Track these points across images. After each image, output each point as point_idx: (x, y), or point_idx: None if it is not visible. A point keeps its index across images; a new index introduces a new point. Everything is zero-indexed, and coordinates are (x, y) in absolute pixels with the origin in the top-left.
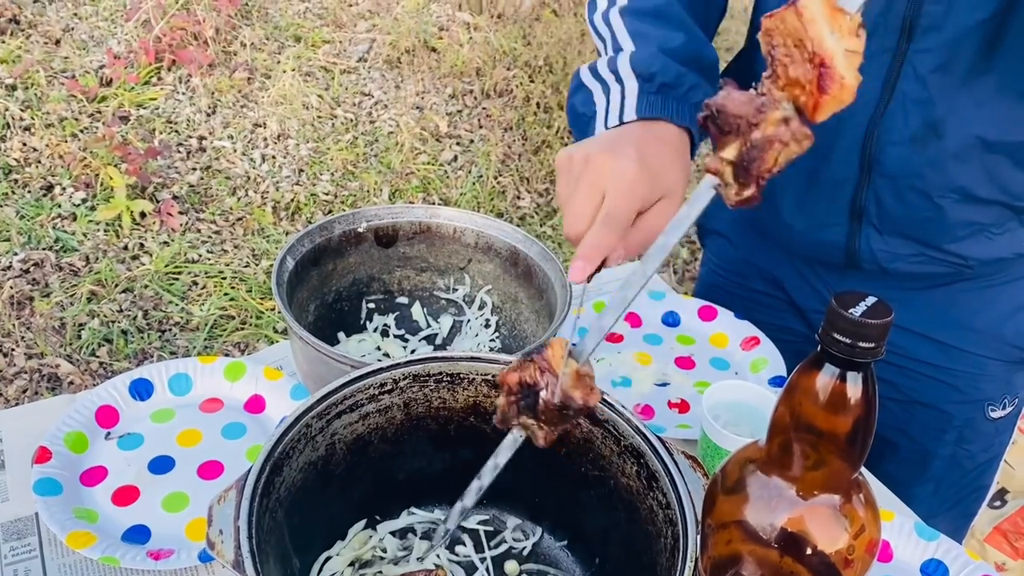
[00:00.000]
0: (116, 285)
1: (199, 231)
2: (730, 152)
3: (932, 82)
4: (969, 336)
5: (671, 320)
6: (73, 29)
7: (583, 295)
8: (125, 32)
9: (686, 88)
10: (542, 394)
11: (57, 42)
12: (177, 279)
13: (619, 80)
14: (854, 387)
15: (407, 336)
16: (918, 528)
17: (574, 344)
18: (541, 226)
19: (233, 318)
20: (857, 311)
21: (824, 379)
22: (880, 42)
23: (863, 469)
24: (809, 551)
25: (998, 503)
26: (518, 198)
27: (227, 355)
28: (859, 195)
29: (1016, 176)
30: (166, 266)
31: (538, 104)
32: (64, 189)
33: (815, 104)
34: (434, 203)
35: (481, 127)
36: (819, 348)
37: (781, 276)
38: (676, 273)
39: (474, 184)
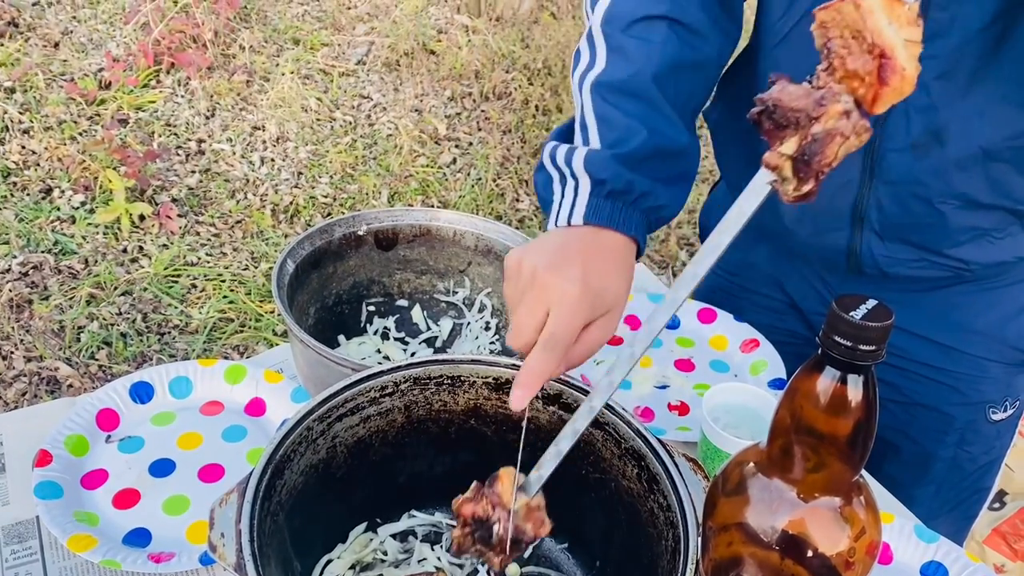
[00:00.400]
0: (115, 288)
1: (198, 234)
2: (789, 147)
3: (935, 89)
4: (970, 338)
5: (671, 322)
6: (72, 32)
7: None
8: (124, 35)
9: (636, 195)
10: (495, 527)
11: (56, 45)
12: (176, 282)
13: (574, 176)
14: (855, 390)
15: (407, 339)
16: (918, 530)
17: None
18: (541, 228)
19: (232, 321)
20: (858, 314)
21: (825, 382)
22: None
23: (863, 471)
24: (810, 553)
25: (997, 505)
26: (517, 200)
27: (226, 358)
28: (861, 201)
29: (1018, 182)
30: (165, 269)
31: (537, 107)
32: (63, 192)
33: (875, 96)
34: (433, 206)
35: (480, 130)
36: (820, 351)
37: (782, 278)
38: (675, 275)
39: (473, 187)
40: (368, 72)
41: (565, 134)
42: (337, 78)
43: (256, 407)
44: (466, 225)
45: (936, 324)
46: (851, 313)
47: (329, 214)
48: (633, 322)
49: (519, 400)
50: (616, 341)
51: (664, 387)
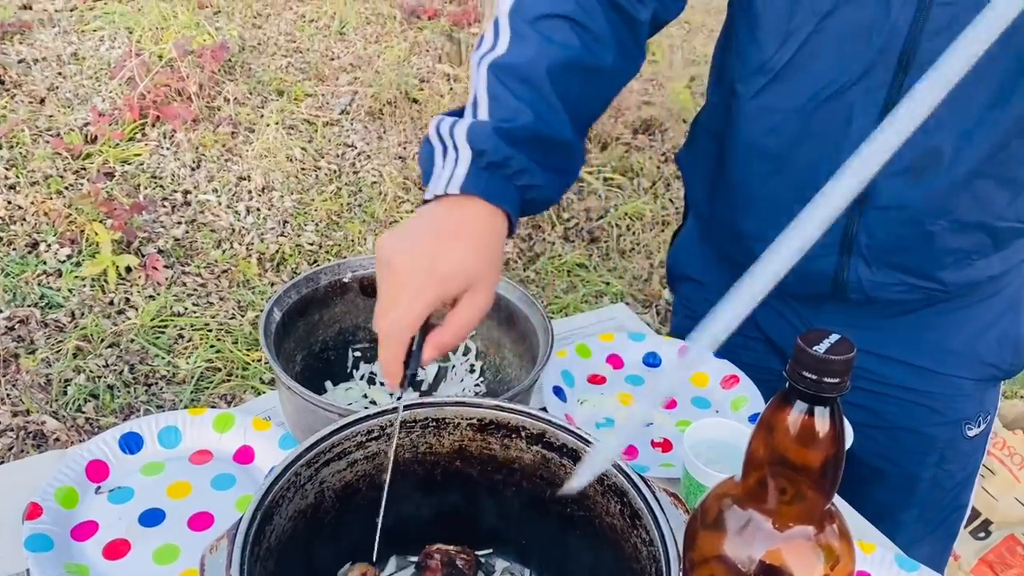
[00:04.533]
0: (102, 340)
1: (185, 284)
2: None
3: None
4: (945, 358)
5: (652, 361)
6: (58, 88)
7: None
8: (110, 90)
9: (513, 170)
10: None
11: (42, 101)
12: (163, 332)
13: (455, 147)
14: (822, 421)
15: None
16: (899, 560)
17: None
18: (525, 270)
19: (219, 370)
20: (821, 348)
21: (794, 414)
22: (877, 77)
23: (844, 502)
24: None
25: (983, 534)
26: None
27: (214, 407)
28: (850, 228)
29: (1000, 196)
30: (152, 320)
31: None
32: (49, 246)
33: None
34: None
35: None
36: (787, 385)
37: (757, 316)
38: (659, 314)
39: None
40: (352, 121)
41: (455, 113)
42: (321, 128)
43: (245, 455)
44: None
45: (911, 347)
46: (815, 348)
47: (315, 261)
48: (615, 361)
49: (391, 386)
50: (598, 380)
51: (648, 424)
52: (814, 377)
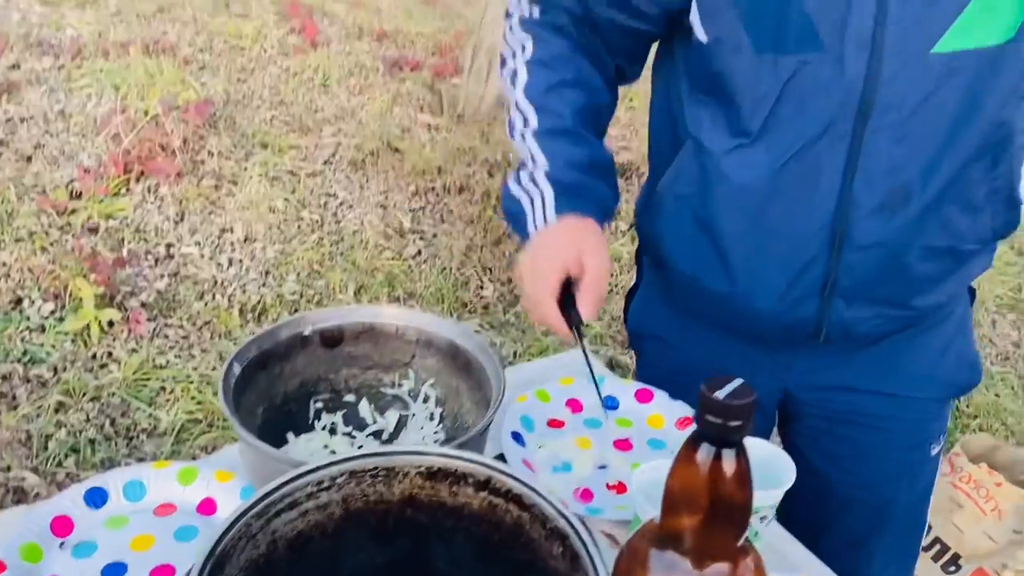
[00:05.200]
0: (84, 394)
1: (167, 336)
2: None
3: (893, 153)
4: (912, 382)
5: (610, 404)
6: (44, 145)
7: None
8: (95, 146)
9: (588, 189)
10: None
11: (28, 159)
12: (145, 385)
13: (539, 189)
14: (729, 463)
15: (355, 433)
16: None
17: None
18: (505, 314)
19: (200, 421)
20: (723, 394)
21: (703, 457)
22: (839, 129)
23: (788, 538)
24: None
25: (953, 568)
26: (481, 288)
27: (194, 458)
28: (831, 271)
29: (962, 220)
30: (134, 373)
31: (497, 198)
32: (33, 302)
33: None
34: (399, 297)
35: (443, 222)
36: (696, 429)
37: (728, 366)
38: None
39: (438, 276)
40: (335, 171)
41: (514, 193)
42: (304, 178)
43: (207, 507)
44: (408, 320)
45: (881, 376)
46: (717, 393)
47: (296, 311)
48: (575, 405)
49: (563, 335)
50: (557, 424)
51: (603, 467)
52: (719, 422)
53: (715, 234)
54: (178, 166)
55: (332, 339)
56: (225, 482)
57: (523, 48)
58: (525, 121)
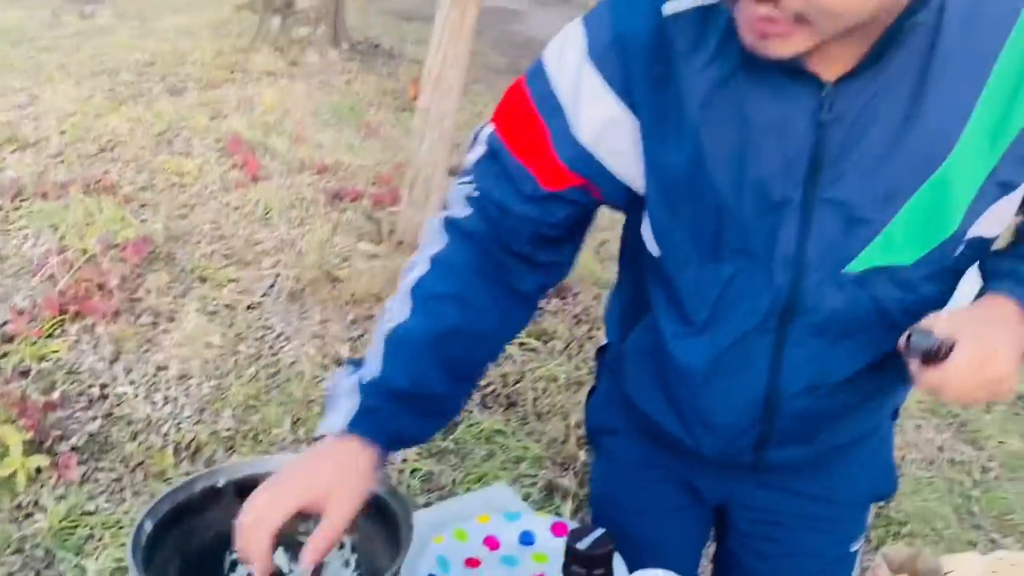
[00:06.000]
0: (8, 547)
1: (98, 480)
2: None
3: (814, 349)
4: (836, 489)
5: (527, 539)
6: None
7: None
8: (31, 287)
9: (389, 417)
10: None
11: None
12: (73, 533)
13: (347, 394)
14: None
15: None
16: None
17: None
18: (443, 441)
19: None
20: (584, 544)
21: None
22: (768, 324)
23: None
24: None
25: None
26: None
27: None
28: (764, 433)
29: (877, 379)
30: (61, 521)
31: None
32: None
33: None
34: None
35: None
36: None
37: (677, 467)
38: (576, 475)
39: None
40: (273, 303)
41: (356, 362)
42: (242, 311)
43: None
44: None
45: (807, 480)
46: (579, 544)
47: (231, 447)
48: (491, 542)
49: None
50: (473, 563)
51: None
52: (584, 571)
53: (666, 393)
54: (115, 305)
55: (247, 490)
56: None
57: (438, 241)
58: (395, 312)
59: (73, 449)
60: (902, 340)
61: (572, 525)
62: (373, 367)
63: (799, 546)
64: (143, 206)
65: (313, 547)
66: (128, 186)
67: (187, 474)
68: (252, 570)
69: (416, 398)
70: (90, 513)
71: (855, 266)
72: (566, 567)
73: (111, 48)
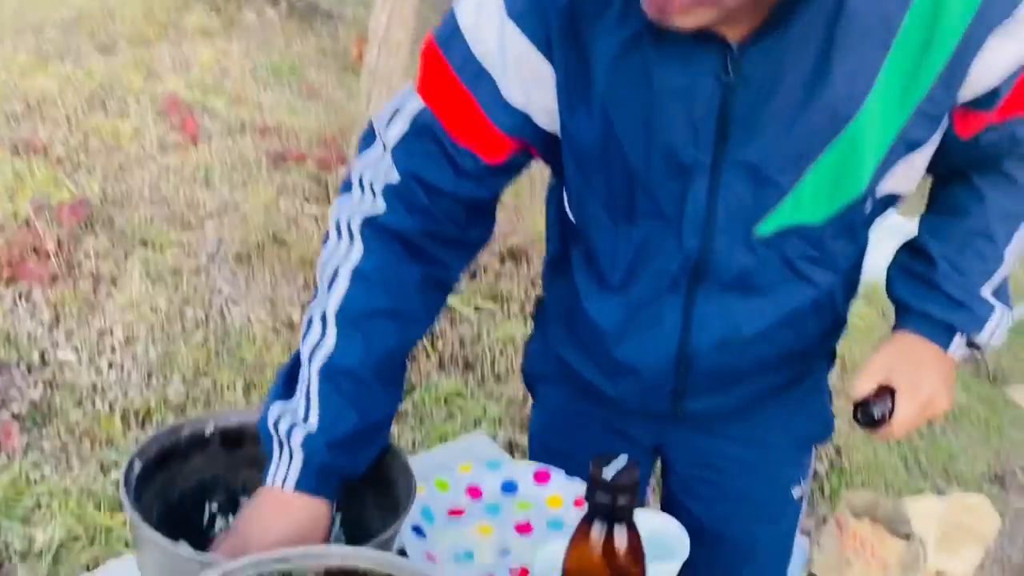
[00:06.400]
0: None
1: (42, 449)
2: None
3: (724, 300)
4: (772, 431)
5: (510, 488)
6: None
7: None
8: None
9: (339, 475)
10: None
11: None
12: (18, 503)
13: (290, 450)
14: (620, 537)
15: None
16: None
17: None
18: (402, 404)
19: (79, 538)
20: (610, 472)
21: (596, 533)
22: (679, 285)
23: None
24: None
25: None
26: None
27: None
28: (679, 387)
29: (794, 341)
30: (4, 491)
31: None
32: None
33: None
34: None
35: None
36: (588, 507)
37: (608, 416)
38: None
39: None
40: (219, 267)
41: (286, 385)
42: (188, 276)
43: None
44: None
45: (739, 424)
46: (605, 472)
47: (183, 413)
48: (474, 492)
49: None
50: (457, 512)
51: (506, 553)
52: (609, 500)
53: (585, 346)
54: (52, 269)
55: (233, 439)
56: None
57: (350, 241)
58: (320, 339)
59: (14, 417)
60: (851, 415)
61: (555, 472)
62: (311, 416)
63: (736, 490)
64: (77, 168)
65: None
66: (60, 147)
67: (136, 441)
68: None
69: (359, 434)
70: (35, 482)
71: (764, 227)
72: (590, 496)
73: (33, 4)
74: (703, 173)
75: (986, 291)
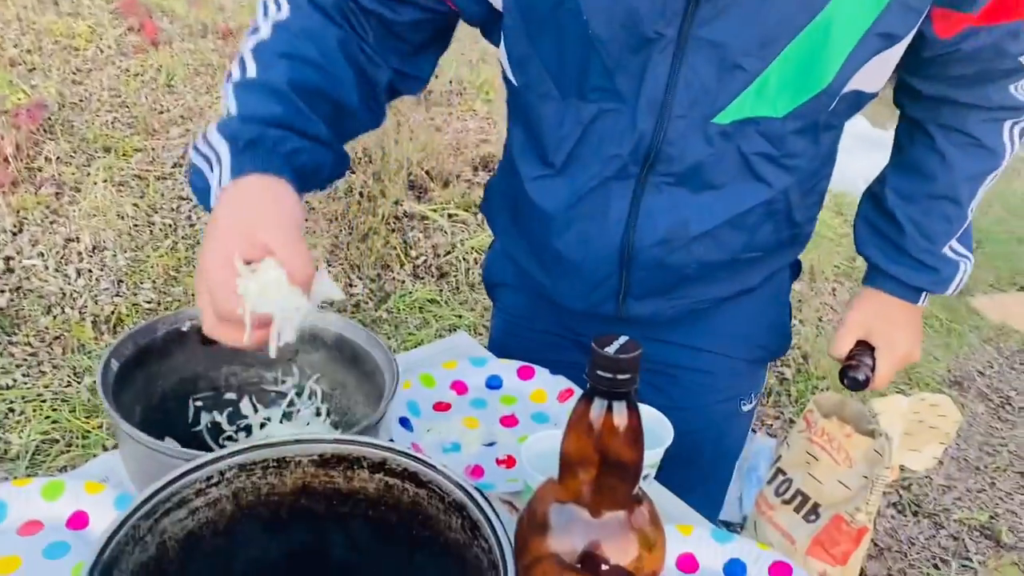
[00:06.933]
0: None
1: (12, 355)
2: None
3: (674, 200)
4: (723, 341)
5: (494, 383)
6: None
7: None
8: None
9: (271, 141)
10: None
11: None
12: None
13: (214, 150)
14: (620, 414)
15: (235, 437)
16: (715, 534)
17: None
18: (376, 311)
19: (57, 441)
20: (612, 349)
21: (596, 410)
22: (628, 170)
23: (665, 492)
24: (606, 567)
25: (813, 517)
26: (350, 285)
27: None
28: (622, 284)
29: (739, 241)
30: None
31: (361, 193)
32: None
33: None
34: None
35: (306, 220)
36: (588, 385)
37: (562, 318)
38: None
39: None
40: (185, 173)
41: (195, 161)
42: (153, 182)
43: (78, 520)
44: None
45: (692, 333)
46: (607, 349)
47: None
48: (459, 387)
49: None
50: (443, 407)
51: (492, 444)
52: (610, 376)
53: (529, 240)
54: (12, 174)
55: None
56: (95, 494)
57: (278, 8)
58: (242, 70)
59: None
60: (838, 379)
61: (538, 369)
62: (238, 108)
63: (685, 399)
64: (32, 70)
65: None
66: (12, 48)
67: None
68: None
69: (283, 124)
70: (7, 388)
71: (724, 117)
72: (591, 373)
73: None
74: (666, 49)
75: (951, 248)
